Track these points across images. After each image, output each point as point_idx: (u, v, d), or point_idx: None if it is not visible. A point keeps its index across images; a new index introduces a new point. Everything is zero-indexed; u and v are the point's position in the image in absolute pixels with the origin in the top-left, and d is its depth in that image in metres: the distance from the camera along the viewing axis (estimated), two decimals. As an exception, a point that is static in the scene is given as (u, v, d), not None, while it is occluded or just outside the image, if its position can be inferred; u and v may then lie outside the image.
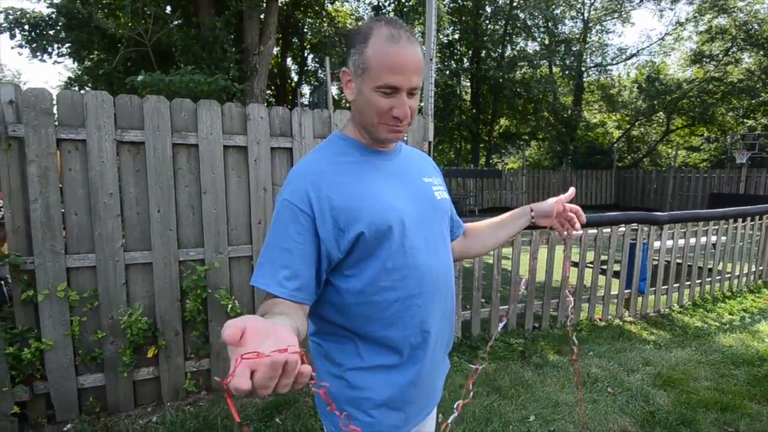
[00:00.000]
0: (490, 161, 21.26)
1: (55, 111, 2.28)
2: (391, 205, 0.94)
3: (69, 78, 9.77)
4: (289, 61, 15.90)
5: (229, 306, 2.58)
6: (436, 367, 1.06)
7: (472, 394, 0.98)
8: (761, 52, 17.15)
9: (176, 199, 2.55)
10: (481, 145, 20.49)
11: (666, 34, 21.28)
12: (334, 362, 0.99)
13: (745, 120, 17.93)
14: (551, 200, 1.19)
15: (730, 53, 18.12)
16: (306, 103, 15.26)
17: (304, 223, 0.89)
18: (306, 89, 17.14)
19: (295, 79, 16.40)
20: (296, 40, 14.73)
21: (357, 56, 0.91)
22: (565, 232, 1.21)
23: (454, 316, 1.11)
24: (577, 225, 1.18)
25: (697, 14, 18.83)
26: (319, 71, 16.10)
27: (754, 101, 17.11)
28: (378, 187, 0.96)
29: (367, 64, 0.89)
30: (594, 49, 21.21)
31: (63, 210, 2.34)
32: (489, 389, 2.82)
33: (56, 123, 2.28)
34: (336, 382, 0.99)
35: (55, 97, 2.28)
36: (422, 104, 3.45)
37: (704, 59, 18.80)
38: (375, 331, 0.96)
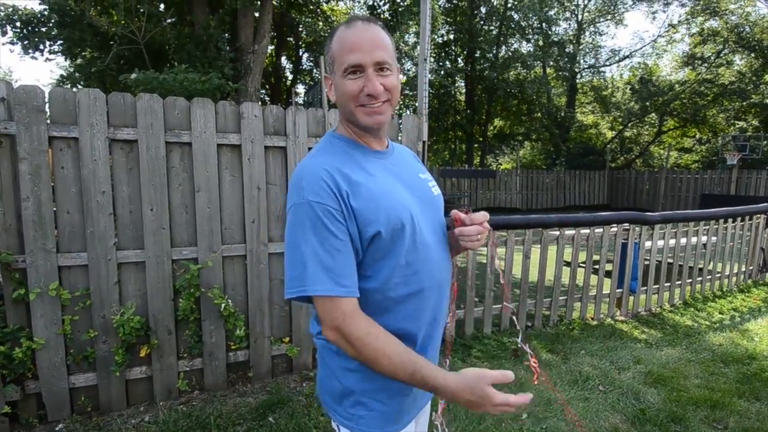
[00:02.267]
0: (485, 161, 21.33)
1: (47, 108, 2.27)
2: (402, 203, 0.95)
3: (61, 75, 9.69)
4: (284, 60, 15.86)
5: (222, 305, 2.57)
6: (433, 361, 1.09)
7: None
8: (752, 55, 17.35)
9: (169, 198, 2.54)
10: (476, 146, 20.56)
11: (658, 36, 21.50)
12: (348, 357, 0.98)
13: (736, 122, 18.13)
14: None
15: (721, 55, 18.31)
16: (301, 102, 15.22)
17: (342, 222, 0.89)
18: (301, 88, 17.11)
19: (290, 78, 16.37)
20: (291, 39, 14.70)
21: (327, 56, 0.97)
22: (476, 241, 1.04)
23: (448, 305, 1.16)
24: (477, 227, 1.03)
25: (689, 16, 19.03)
26: (314, 70, 16.07)
27: (745, 103, 17.31)
28: (387, 185, 0.97)
29: (333, 56, 0.95)
30: (587, 50, 21.35)
31: (55, 208, 2.33)
32: (482, 388, 2.84)
33: (48, 121, 2.27)
34: (352, 375, 0.99)
35: (47, 95, 2.27)
36: (416, 104, 3.46)
37: (696, 61, 18.99)
38: (390, 324, 0.96)
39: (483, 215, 1.03)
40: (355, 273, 0.92)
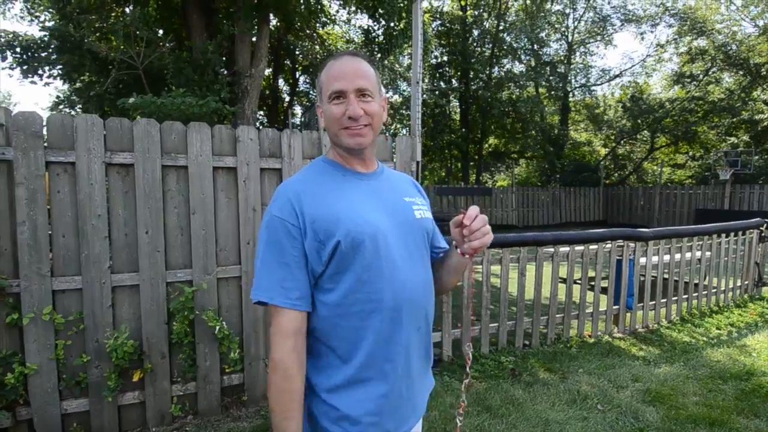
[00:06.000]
0: (480, 179, 21.48)
1: (44, 133, 2.30)
2: (367, 219, 0.99)
3: (57, 97, 9.79)
4: (281, 82, 16.10)
5: (217, 327, 2.56)
6: (412, 381, 1.07)
7: (462, 416, 0.99)
8: (740, 72, 17.72)
9: (165, 221, 2.56)
10: (471, 164, 20.74)
11: (647, 55, 21.95)
12: (310, 379, 1.01)
13: (727, 137, 18.40)
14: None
15: (710, 73, 18.70)
16: (298, 123, 15.39)
17: (297, 237, 0.97)
18: (298, 109, 17.32)
19: (287, 100, 16.58)
20: (288, 62, 14.95)
21: (318, 85, 1.07)
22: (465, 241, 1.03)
23: (431, 333, 1.14)
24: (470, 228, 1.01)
25: (677, 36, 19.48)
26: (311, 92, 16.30)
27: (735, 119, 17.60)
28: (355, 202, 1.01)
29: (321, 85, 1.05)
30: (578, 70, 21.76)
31: (50, 232, 2.34)
32: (479, 408, 2.81)
33: (45, 145, 2.29)
34: (314, 397, 1.01)
35: (45, 120, 2.30)
36: (410, 125, 3.52)
37: (685, 79, 19.37)
38: (349, 343, 0.99)
39: (474, 208, 1.02)
40: (303, 287, 0.98)
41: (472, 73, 18.67)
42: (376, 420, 1.00)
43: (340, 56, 1.04)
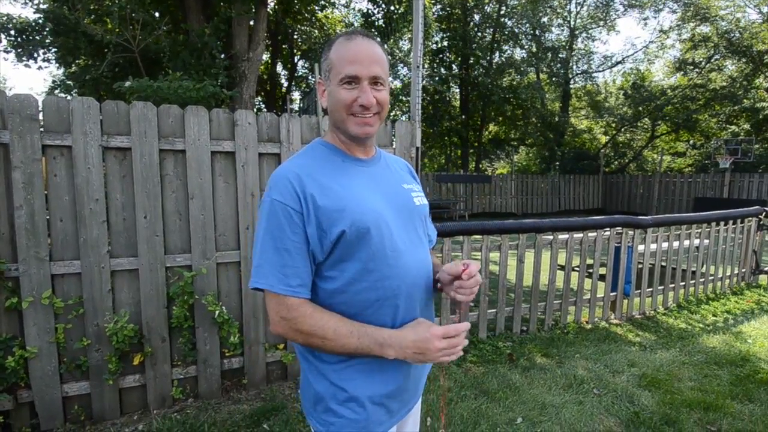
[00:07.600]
0: (480, 166, 21.44)
1: (40, 117, 2.27)
2: (372, 208, 0.98)
3: (53, 81, 9.68)
4: (279, 67, 15.92)
5: (216, 312, 2.57)
6: (415, 365, 1.07)
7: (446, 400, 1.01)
8: (743, 60, 17.57)
9: (163, 205, 2.55)
10: (471, 151, 20.67)
11: (650, 41, 21.77)
12: (320, 359, 1.01)
13: (728, 126, 18.33)
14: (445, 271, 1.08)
15: (712, 60, 18.54)
16: (296, 108, 15.26)
17: (298, 222, 0.94)
18: (296, 95, 17.16)
19: (285, 85, 16.42)
20: (286, 47, 14.77)
21: (324, 63, 1.01)
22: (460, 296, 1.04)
23: (433, 317, 1.14)
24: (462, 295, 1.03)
25: (680, 22, 19.26)
26: (310, 77, 16.14)
27: (736, 107, 17.51)
28: (359, 190, 0.99)
29: (330, 65, 0.99)
30: (580, 56, 21.56)
31: (48, 216, 2.33)
32: (477, 392, 2.84)
33: (42, 129, 2.27)
34: (321, 379, 1.01)
35: (40, 103, 2.27)
36: (410, 111, 3.49)
37: (687, 66, 19.22)
38: None
39: (475, 267, 1.02)
40: (304, 274, 0.95)
41: (472, 58, 18.49)
42: (383, 401, 1.01)
43: (353, 36, 0.98)
